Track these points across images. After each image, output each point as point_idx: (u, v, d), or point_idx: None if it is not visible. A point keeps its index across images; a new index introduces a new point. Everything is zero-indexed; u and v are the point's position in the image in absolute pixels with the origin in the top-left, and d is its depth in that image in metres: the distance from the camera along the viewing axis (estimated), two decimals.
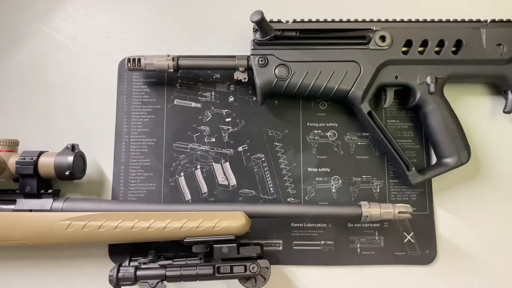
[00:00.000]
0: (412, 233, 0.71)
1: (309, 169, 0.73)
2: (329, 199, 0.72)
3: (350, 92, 0.69)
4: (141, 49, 0.76)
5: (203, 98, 0.75)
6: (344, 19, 0.70)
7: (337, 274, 0.71)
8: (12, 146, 0.67)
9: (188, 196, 0.72)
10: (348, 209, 0.65)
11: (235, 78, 0.70)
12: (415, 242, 0.71)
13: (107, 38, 0.77)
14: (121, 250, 0.69)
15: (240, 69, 0.70)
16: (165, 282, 0.62)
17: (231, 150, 0.73)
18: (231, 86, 0.75)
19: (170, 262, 0.64)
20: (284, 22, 0.69)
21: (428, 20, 0.70)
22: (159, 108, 0.74)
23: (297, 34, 0.69)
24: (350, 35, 0.70)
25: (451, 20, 0.70)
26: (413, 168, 0.68)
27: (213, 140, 0.74)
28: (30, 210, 0.64)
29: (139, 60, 0.70)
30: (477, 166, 0.73)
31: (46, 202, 0.64)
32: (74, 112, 0.75)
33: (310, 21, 0.69)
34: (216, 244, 0.63)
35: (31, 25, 0.77)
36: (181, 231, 0.62)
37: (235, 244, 0.63)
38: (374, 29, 0.69)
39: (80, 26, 0.77)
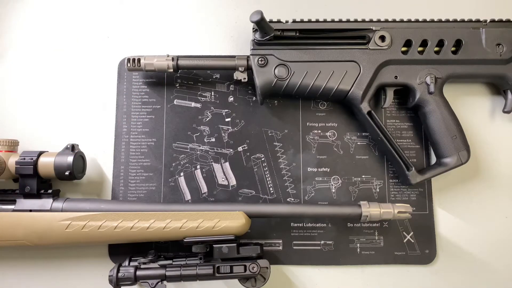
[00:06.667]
0: (411, 233, 0.71)
1: (309, 169, 0.73)
2: (329, 199, 0.72)
3: (350, 92, 0.69)
4: (141, 49, 0.76)
5: (203, 98, 0.75)
6: (344, 19, 0.70)
7: (337, 274, 0.71)
8: (12, 146, 0.67)
9: (188, 196, 0.72)
10: (347, 209, 0.65)
11: (235, 78, 0.70)
12: (415, 242, 0.71)
13: (107, 38, 0.77)
14: (121, 250, 0.69)
15: (240, 69, 0.70)
16: (165, 282, 0.62)
17: (231, 150, 0.74)
18: (231, 86, 0.75)
19: (170, 262, 0.64)
20: (284, 22, 0.69)
21: (427, 20, 0.70)
22: (159, 108, 0.74)
23: (297, 34, 0.69)
24: (350, 35, 0.70)
25: (450, 20, 0.70)
26: (413, 168, 0.68)
27: (213, 140, 0.74)
28: (30, 210, 0.64)
29: (138, 60, 0.70)
30: (476, 166, 0.74)
31: (46, 202, 0.64)
32: (74, 112, 0.75)
33: (309, 21, 0.69)
34: (216, 244, 0.63)
35: (31, 25, 0.77)
36: (181, 231, 0.62)
37: (235, 244, 0.63)
38: (374, 29, 0.69)
39: (80, 26, 0.77)
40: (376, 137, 0.70)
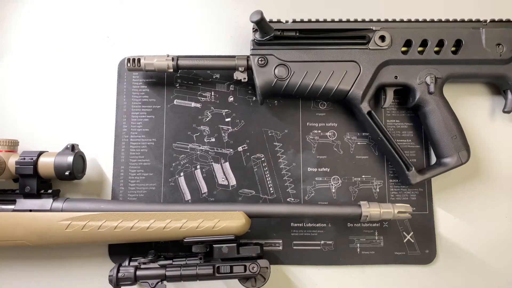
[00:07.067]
0: (411, 233, 0.71)
1: (309, 169, 0.73)
2: (329, 199, 0.72)
3: (350, 92, 0.69)
4: (141, 49, 0.76)
5: (202, 98, 0.75)
6: (344, 19, 0.70)
7: (337, 274, 0.71)
8: (12, 146, 0.67)
9: (188, 196, 0.72)
10: (347, 209, 0.65)
11: (235, 78, 0.70)
12: (415, 242, 0.71)
13: (107, 38, 0.77)
14: (121, 250, 0.69)
15: (240, 69, 0.70)
16: (165, 282, 0.62)
17: (231, 150, 0.74)
18: (231, 86, 0.75)
19: (170, 262, 0.64)
20: (284, 22, 0.69)
21: (427, 20, 0.70)
22: (159, 108, 0.74)
23: (297, 34, 0.69)
24: (350, 35, 0.70)
25: (450, 20, 0.70)
26: (413, 168, 0.68)
27: (213, 140, 0.74)
28: (30, 210, 0.64)
29: (138, 60, 0.70)
30: (476, 166, 0.74)
31: (46, 202, 0.64)
32: (74, 112, 0.75)
33: (309, 21, 0.69)
34: (216, 244, 0.63)
35: (31, 25, 0.77)
36: (181, 231, 0.62)
37: (235, 244, 0.63)
38: (374, 29, 0.69)
39: (80, 26, 0.77)
40: (376, 137, 0.70)
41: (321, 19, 0.69)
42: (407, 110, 0.75)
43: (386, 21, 0.70)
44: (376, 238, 0.71)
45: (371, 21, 0.70)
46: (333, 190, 0.73)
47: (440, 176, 0.69)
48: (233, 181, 0.73)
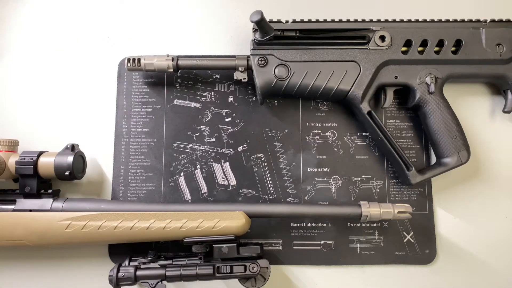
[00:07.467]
0: (411, 233, 0.71)
1: (309, 169, 0.73)
2: (329, 199, 0.72)
3: (350, 92, 0.69)
4: (141, 49, 0.76)
5: (202, 98, 0.75)
6: (344, 19, 0.70)
7: (337, 274, 0.71)
8: (12, 146, 0.67)
9: (188, 196, 0.72)
10: (347, 209, 0.65)
11: (235, 78, 0.70)
12: (415, 242, 0.71)
13: (107, 38, 0.77)
14: (121, 250, 0.69)
15: (240, 69, 0.70)
16: (165, 282, 0.62)
17: (231, 150, 0.74)
18: (231, 86, 0.75)
19: (170, 262, 0.64)
20: (284, 22, 0.69)
21: (427, 20, 0.70)
22: (159, 108, 0.75)
23: (297, 34, 0.69)
24: (350, 35, 0.70)
25: (450, 20, 0.70)
26: (413, 168, 0.68)
27: (213, 140, 0.74)
28: (30, 210, 0.64)
29: (138, 60, 0.70)
30: (476, 165, 0.74)
31: (46, 202, 0.64)
32: (74, 112, 0.75)
33: (309, 21, 0.69)
34: (216, 244, 0.63)
35: (31, 25, 0.77)
36: (181, 231, 0.62)
37: (235, 244, 0.63)
38: (374, 29, 0.69)
39: (80, 26, 0.77)
40: (376, 137, 0.70)
41: (321, 19, 0.69)
42: (407, 110, 0.75)
43: (386, 21, 0.70)
44: (376, 238, 0.71)
45: (371, 21, 0.70)
46: (333, 190, 0.73)
47: (440, 176, 0.69)
48: (233, 181, 0.73)
